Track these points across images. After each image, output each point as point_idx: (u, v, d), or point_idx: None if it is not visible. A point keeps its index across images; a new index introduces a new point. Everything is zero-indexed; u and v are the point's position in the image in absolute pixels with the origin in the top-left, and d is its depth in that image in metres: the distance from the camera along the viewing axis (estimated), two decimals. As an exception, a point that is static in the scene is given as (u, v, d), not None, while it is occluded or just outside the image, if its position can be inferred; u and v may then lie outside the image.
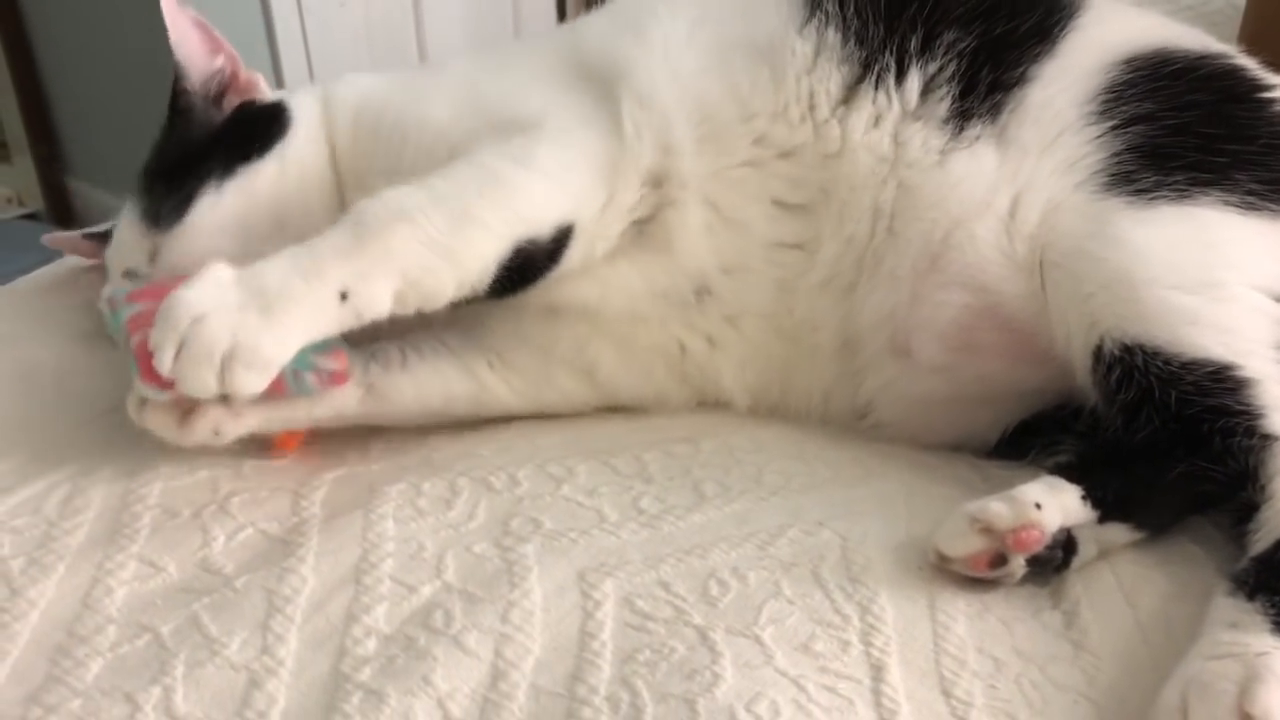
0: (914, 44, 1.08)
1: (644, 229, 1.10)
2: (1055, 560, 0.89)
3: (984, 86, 1.07)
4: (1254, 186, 0.99)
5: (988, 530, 0.87)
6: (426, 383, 1.12)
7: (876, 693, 0.79)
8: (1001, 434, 1.07)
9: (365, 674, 0.81)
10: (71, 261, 1.43)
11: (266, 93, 1.23)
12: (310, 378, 0.98)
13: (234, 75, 1.21)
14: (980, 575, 0.88)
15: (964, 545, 0.88)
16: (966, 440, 1.08)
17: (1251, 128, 1.03)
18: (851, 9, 1.10)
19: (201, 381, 0.90)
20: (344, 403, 1.08)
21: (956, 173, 1.05)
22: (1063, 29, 1.09)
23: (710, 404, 1.17)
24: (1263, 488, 0.89)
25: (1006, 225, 1.03)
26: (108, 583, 0.90)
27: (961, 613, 0.87)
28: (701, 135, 1.09)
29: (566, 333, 1.13)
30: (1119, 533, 0.92)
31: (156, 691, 0.80)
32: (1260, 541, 0.87)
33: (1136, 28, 1.12)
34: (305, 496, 1.00)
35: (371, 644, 0.84)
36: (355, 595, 0.88)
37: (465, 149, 1.05)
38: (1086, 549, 0.91)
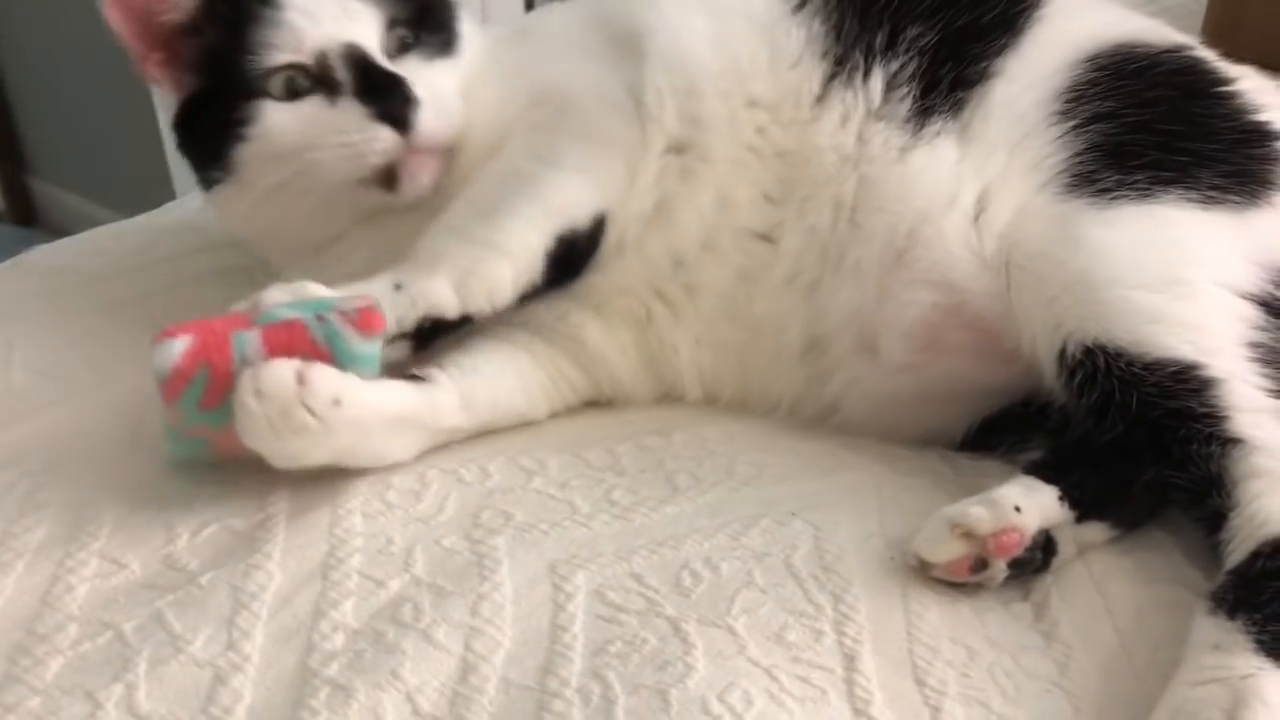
0: (880, 41, 1.08)
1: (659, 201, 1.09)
2: (1035, 562, 0.89)
3: (946, 84, 1.06)
4: (1217, 182, 0.98)
5: (968, 535, 0.87)
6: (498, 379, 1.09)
7: (850, 682, 0.79)
8: (969, 429, 1.07)
9: (333, 669, 0.80)
10: (32, 259, 1.41)
11: None
12: (334, 318, 0.95)
13: None
14: (962, 580, 0.88)
15: (945, 551, 0.87)
16: (935, 436, 1.07)
17: (1213, 124, 1.02)
18: (834, 2, 1.10)
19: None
20: (447, 413, 1.03)
21: (917, 166, 1.05)
22: (1026, 21, 1.08)
23: (674, 397, 1.15)
24: (1229, 494, 0.86)
25: (974, 222, 1.03)
26: (68, 580, 0.88)
27: (934, 602, 0.87)
28: (716, 110, 1.09)
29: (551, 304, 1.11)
30: (1097, 531, 0.92)
31: (119, 689, 0.78)
32: (1234, 554, 0.84)
33: (1099, 22, 1.11)
34: (271, 492, 0.98)
35: (339, 639, 0.83)
36: (323, 590, 0.87)
37: (510, 131, 1.09)
38: (1066, 549, 0.91)
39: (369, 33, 1.06)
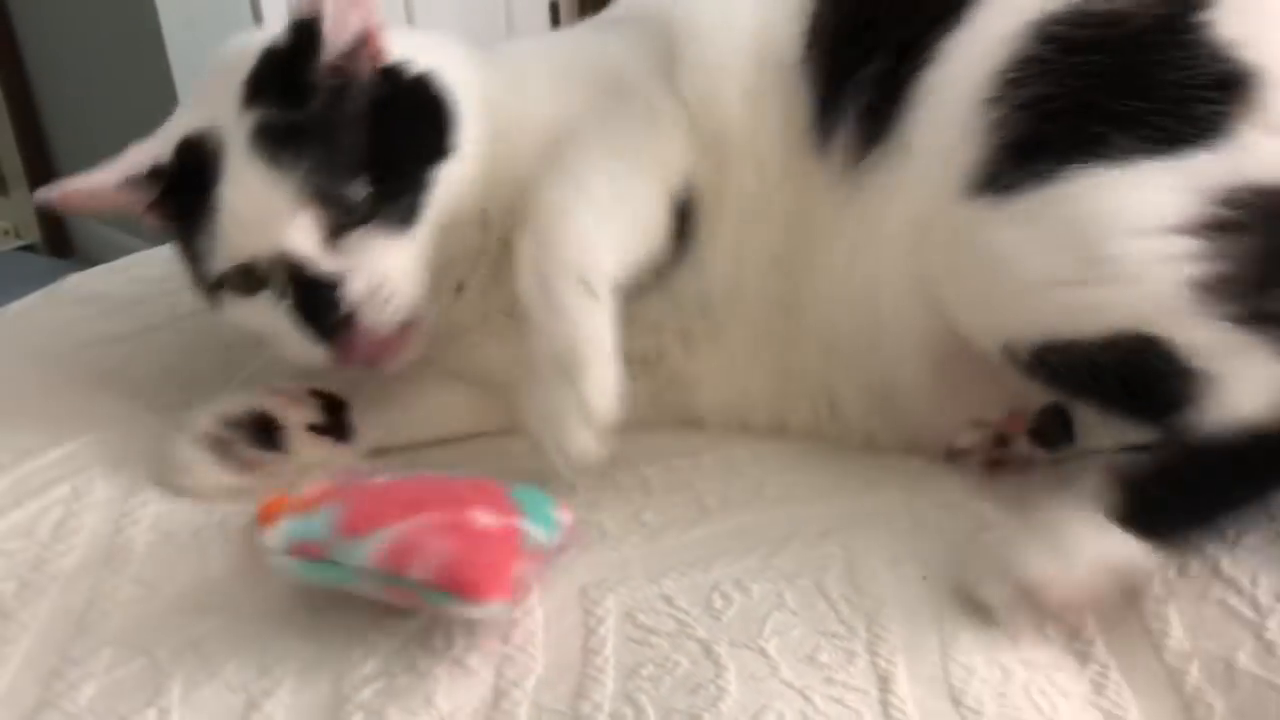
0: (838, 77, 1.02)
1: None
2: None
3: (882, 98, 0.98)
4: (1144, 139, 0.86)
5: None
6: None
7: (885, 703, 0.78)
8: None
9: (366, 694, 0.80)
10: (64, 288, 1.43)
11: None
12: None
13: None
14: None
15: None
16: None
17: (1171, 74, 0.88)
18: (827, 34, 1.04)
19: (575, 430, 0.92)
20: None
21: (866, 211, 1.00)
22: None
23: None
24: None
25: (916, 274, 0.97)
26: (103, 605, 0.89)
27: (968, 623, 0.85)
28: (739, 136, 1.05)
29: None
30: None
31: (152, 714, 0.79)
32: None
33: None
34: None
35: (371, 665, 0.82)
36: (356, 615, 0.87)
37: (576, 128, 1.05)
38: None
39: (303, 232, 0.98)
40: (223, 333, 1.30)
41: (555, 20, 2.57)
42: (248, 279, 1.01)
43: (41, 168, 3.52)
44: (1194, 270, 0.84)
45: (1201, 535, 0.86)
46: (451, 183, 1.03)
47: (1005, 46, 0.93)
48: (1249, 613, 0.84)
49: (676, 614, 0.86)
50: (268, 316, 1.01)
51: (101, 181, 1.05)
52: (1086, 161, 0.87)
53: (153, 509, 1.01)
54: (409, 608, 0.84)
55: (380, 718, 0.78)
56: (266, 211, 0.97)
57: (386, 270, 0.99)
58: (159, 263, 1.48)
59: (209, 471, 1.04)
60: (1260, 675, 0.79)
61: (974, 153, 0.92)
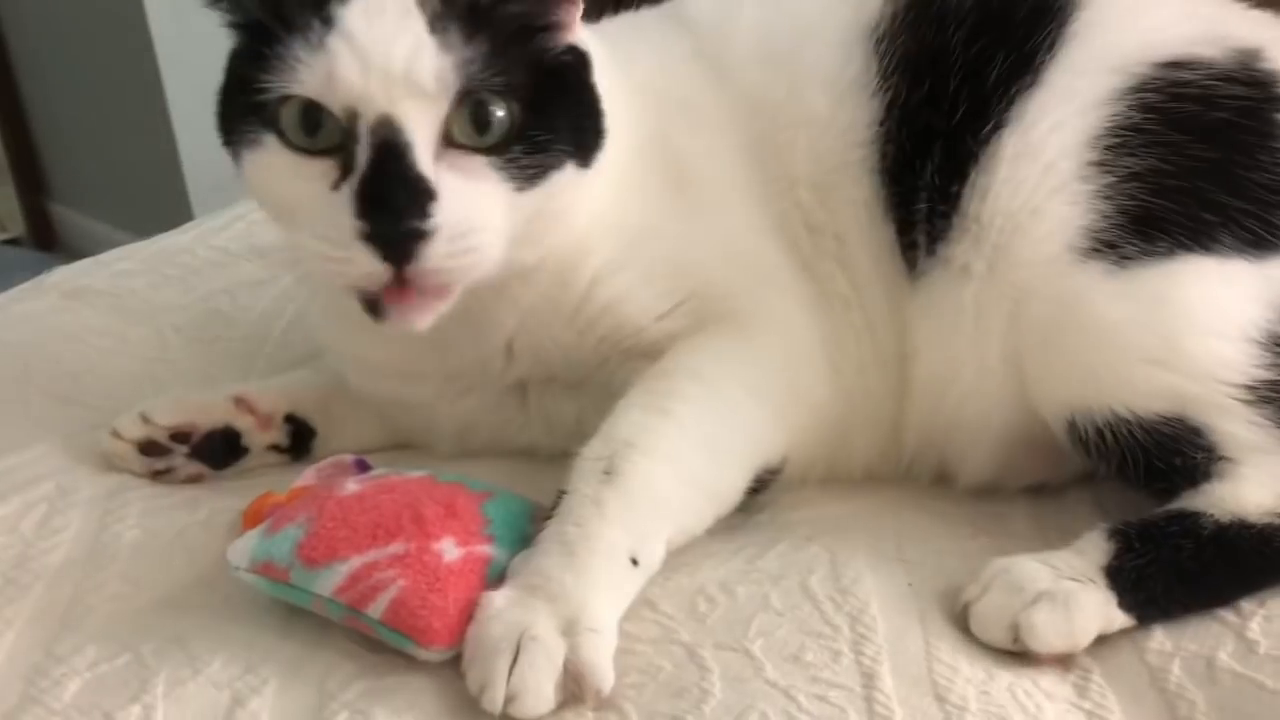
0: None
1: None
2: None
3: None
4: (1242, 235, 0.90)
5: None
6: None
7: (869, 700, 0.78)
8: None
9: (351, 693, 0.80)
10: (49, 281, 1.42)
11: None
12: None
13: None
14: None
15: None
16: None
17: (1255, 178, 0.91)
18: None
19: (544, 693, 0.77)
20: None
21: (932, 319, 0.98)
22: (1052, 43, 0.96)
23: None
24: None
25: (1001, 354, 0.96)
26: (87, 601, 0.89)
27: (952, 624, 0.86)
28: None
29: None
30: None
31: (136, 710, 0.78)
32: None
33: (1150, 27, 0.97)
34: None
35: (353, 665, 0.82)
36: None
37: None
38: None
39: (425, 111, 0.82)
40: (209, 326, 1.31)
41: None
42: (308, 124, 0.83)
43: (27, 163, 3.51)
44: (1252, 375, 0.89)
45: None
46: (570, 188, 0.90)
47: (1099, 111, 0.93)
48: (1231, 615, 0.85)
49: (660, 619, 0.86)
50: (312, 188, 0.84)
51: None
52: (1197, 249, 0.90)
53: (138, 506, 1.00)
54: (370, 636, 0.83)
55: (366, 717, 0.77)
56: (401, 62, 0.81)
57: (485, 216, 0.85)
58: (143, 257, 1.48)
59: (134, 465, 1.05)
60: (1241, 672, 0.80)
61: (1084, 218, 0.92)
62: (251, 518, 0.93)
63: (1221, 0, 1.04)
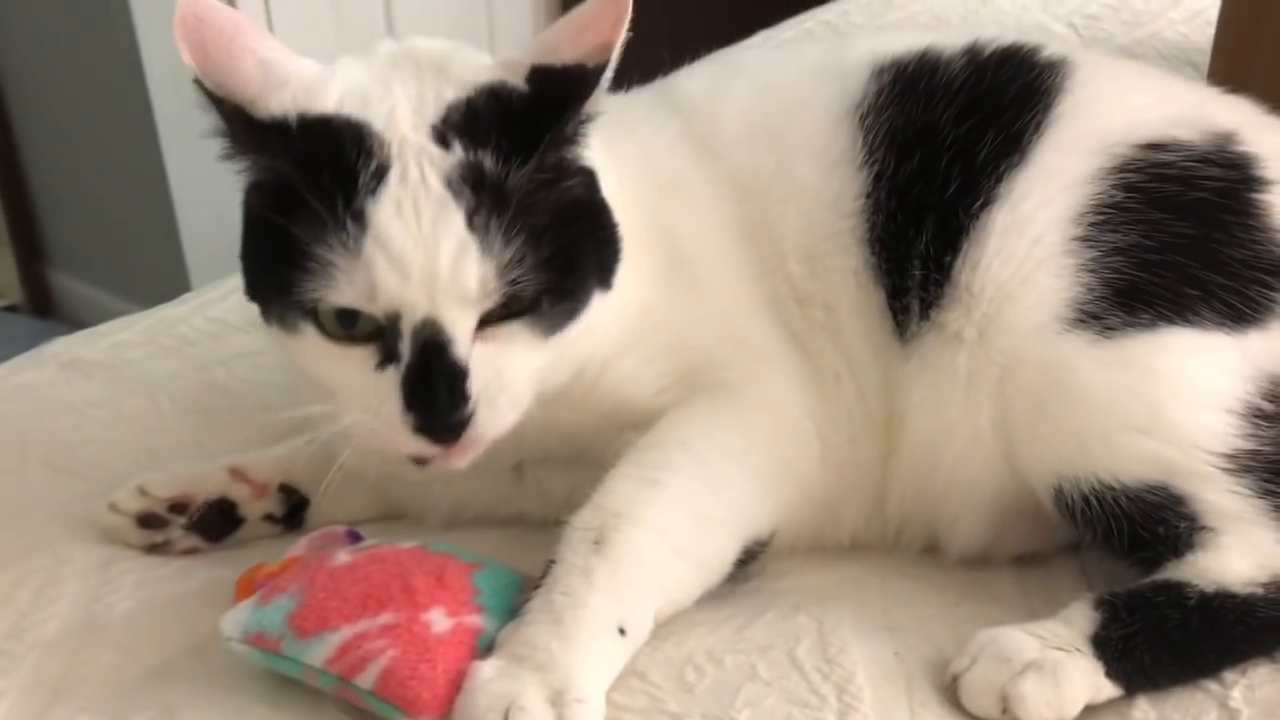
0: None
1: None
2: None
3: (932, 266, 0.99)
4: (1223, 310, 0.93)
5: None
6: None
7: (856, 770, 0.79)
8: None
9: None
10: (48, 352, 1.43)
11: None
12: None
13: None
14: None
15: None
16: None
17: (1235, 254, 0.94)
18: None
19: None
20: None
21: (924, 383, 1.00)
22: (1037, 126, 0.99)
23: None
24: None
25: (991, 420, 0.97)
26: (80, 672, 0.89)
27: (938, 694, 0.87)
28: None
29: None
30: None
31: (127, 781, 0.79)
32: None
33: (1133, 108, 1.01)
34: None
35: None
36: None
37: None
38: None
39: (468, 312, 0.84)
40: (205, 397, 1.32)
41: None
42: (346, 324, 0.85)
43: (25, 229, 3.53)
44: (1233, 444, 0.91)
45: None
46: (594, 312, 0.92)
47: (1083, 189, 0.96)
48: (1213, 685, 0.86)
49: (649, 689, 0.86)
50: (355, 371, 0.86)
51: (248, 43, 0.85)
52: (1179, 321, 0.92)
53: (133, 576, 1.01)
54: (360, 707, 0.84)
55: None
56: (446, 271, 0.82)
57: (514, 373, 0.87)
58: (141, 328, 1.49)
59: (132, 538, 1.05)
60: (1224, 742, 0.81)
61: (1070, 290, 0.94)
62: (244, 587, 0.93)
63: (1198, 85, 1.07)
